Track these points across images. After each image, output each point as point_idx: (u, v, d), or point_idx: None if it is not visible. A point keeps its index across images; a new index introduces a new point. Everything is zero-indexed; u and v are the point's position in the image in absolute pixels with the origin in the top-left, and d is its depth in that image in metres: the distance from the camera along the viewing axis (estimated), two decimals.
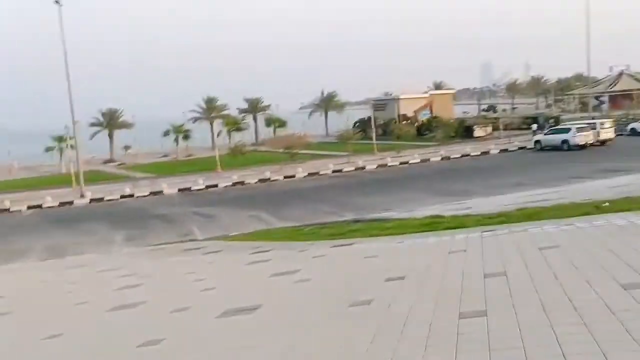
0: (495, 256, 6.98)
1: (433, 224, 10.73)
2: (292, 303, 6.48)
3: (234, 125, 55.85)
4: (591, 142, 38.49)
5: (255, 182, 35.86)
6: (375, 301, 5.88)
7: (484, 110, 74.12)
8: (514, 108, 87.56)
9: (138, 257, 15.17)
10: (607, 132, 39.96)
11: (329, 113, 72.87)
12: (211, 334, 5.55)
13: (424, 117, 61.04)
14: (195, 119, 61.16)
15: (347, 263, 8.55)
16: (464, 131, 52.51)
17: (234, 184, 35.44)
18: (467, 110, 78.79)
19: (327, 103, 69.93)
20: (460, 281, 6.14)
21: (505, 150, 42.32)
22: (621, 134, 44.30)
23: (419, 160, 40.12)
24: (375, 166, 39.10)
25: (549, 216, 9.07)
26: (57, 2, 31.06)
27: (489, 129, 52.76)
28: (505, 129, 51.51)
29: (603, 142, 39.49)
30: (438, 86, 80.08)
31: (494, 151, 41.90)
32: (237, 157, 43.47)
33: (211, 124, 58.95)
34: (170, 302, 7.36)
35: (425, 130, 54.64)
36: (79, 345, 5.69)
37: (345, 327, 5.25)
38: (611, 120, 43.64)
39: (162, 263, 12.72)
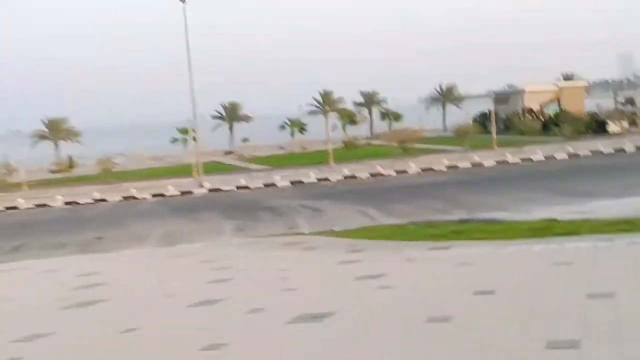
0: (606, 272, 6.07)
1: (544, 229, 9.73)
2: (369, 312, 6.07)
3: (349, 119, 55.92)
4: None
5: (366, 177, 35.55)
6: (456, 318, 5.30)
7: (621, 103, 67.77)
8: None
9: (241, 248, 15.44)
10: None
11: (448, 107, 70.68)
12: (276, 342, 5.31)
13: (551, 111, 57.23)
14: (311, 112, 62.08)
15: (438, 270, 7.94)
16: (597, 126, 48.53)
17: (345, 178, 35.38)
18: (602, 103, 72.62)
19: (446, 96, 67.81)
20: (558, 301, 5.37)
21: None
22: None
23: (542, 157, 37.57)
24: (493, 162, 37.19)
25: None
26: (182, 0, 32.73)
27: (625, 124, 48.30)
28: None
29: None
30: (568, 78, 74.53)
31: (630, 149, 38.15)
32: (350, 151, 43.49)
33: (326, 117, 59.53)
34: (249, 301, 7.25)
35: (553, 125, 51.11)
36: (145, 342, 5.71)
37: (417, 345, 4.76)
38: None
39: (258, 257, 12.79)
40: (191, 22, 35.87)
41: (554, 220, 11.02)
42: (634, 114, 49.83)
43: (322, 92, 62.44)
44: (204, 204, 29.47)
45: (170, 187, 33.97)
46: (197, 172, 36.05)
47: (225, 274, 9.95)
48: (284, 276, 9.02)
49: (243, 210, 26.59)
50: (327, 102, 61.42)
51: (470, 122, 60.45)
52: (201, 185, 34.55)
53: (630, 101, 67.36)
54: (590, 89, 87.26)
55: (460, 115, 67.93)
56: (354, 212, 23.55)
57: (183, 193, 33.55)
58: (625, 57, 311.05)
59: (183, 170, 40.83)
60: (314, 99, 62.75)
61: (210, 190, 33.93)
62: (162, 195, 33.18)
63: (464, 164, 37.32)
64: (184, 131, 45.82)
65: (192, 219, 25.09)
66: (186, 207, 29.02)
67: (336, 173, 36.58)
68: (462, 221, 15.51)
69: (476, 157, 38.28)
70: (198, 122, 37.62)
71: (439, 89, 69.03)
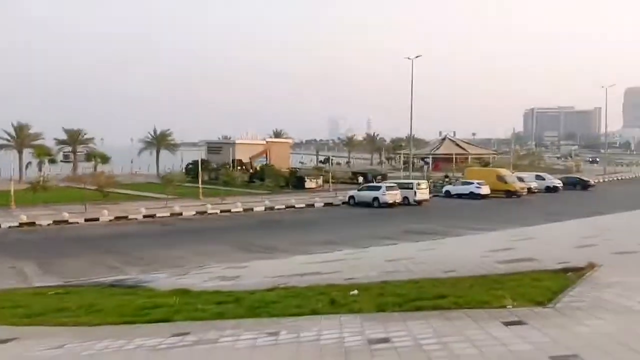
0: None
1: (147, 310, 8.07)
2: None
3: (46, 156, 49.92)
4: (399, 201, 39.48)
5: (48, 224, 31.24)
6: None
7: (320, 162, 75.09)
8: (347, 162, 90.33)
9: None
10: (423, 192, 41.32)
11: (164, 153, 68.94)
12: None
13: (259, 164, 59.92)
14: (1, 147, 53.93)
15: None
16: (296, 181, 52.08)
17: (21, 225, 30.56)
18: (304, 160, 79.52)
19: (160, 141, 65.98)
20: None
21: (330, 204, 42.00)
22: (437, 195, 46.45)
23: (241, 210, 38.17)
24: (193, 213, 36.37)
25: (281, 309, 7.10)
26: None
27: (320, 181, 52.85)
28: (336, 182, 51.91)
29: (419, 203, 40.70)
30: (278, 134, 79.92)
31: (319, 204, 41.36)
32: (38, 193, 38.18)
33: (20, 153, 52.35)
34: None
35: (258, 178, 53.33)
36: None
37: None
38: (426, 181, 45.60)
39: None
40: None
41: (183, 293, 9.86)
42: (327, 172, 54.84)
43: (15, 124, 54.87)
44: None
45: None
46: None
47: None
48: None
49: None
50: (20, 136, 54.09)
51: (183, 169, 59.93)
52: None
53: (328, 160, 75.05)
54: (295, 145, 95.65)
55: (176, 162, 66.96)
56: (5, 269, 19.74)
57: None
58: (333, 121, 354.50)
59: None
60: (5, 131, 54.79)
61: None
62: None
63: (163, 213, 35.72)
64: None
65: None
66: None
67: (13, 218, 31.46)
68: (111, 285, 13.65)
69: (177, 206, 37.09)
70: None
71: (152, 134, 66.89)
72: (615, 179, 76.15)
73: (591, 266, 7.75)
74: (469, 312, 5.52)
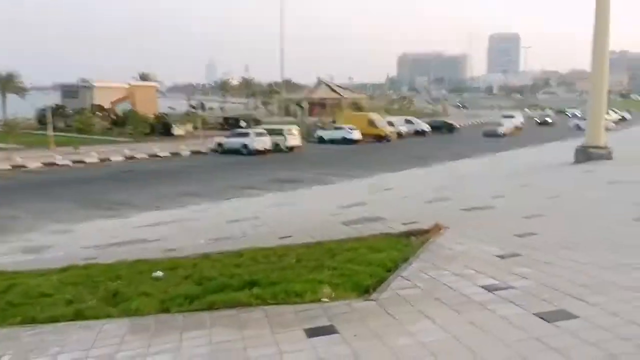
0: None
1: None
2: None
3: None
4: (269, 147, 38.11)
5: None
6: None
7: (191, 107, 71.22)
8: (221, 108, 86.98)
9: None
10: (295, 138, 40.21)
11: (12, 97, 61.67)
12: None
13: (123, 109, 55.44)
14: None
15: None
16: (163, 128, 48.85)
17: None
18: (175, 106, 75.13)
19: (5, 84, 58.74)
20: None
21: (198, 152, 39.74)
22: (311, 141, 45.68)
23: (97, 160, 34.87)
24: (39, 164, 32.58)
25: (45, 307, 5.05)
26: None
27: (189, 127, 50.01)
28: (208, 128, 49.39)
29: (291, 149, 39.57)
30: (145, 77, 74.20)
31: (185, 152, 38.97)
32: None
33: None
34: None
35: (121, 125, 49.37)
36: None
37: None
38: (297, 126, 44.49)
39: None
40: None
41: None
42: (199, 117, 51.93)
43: None
44: None
45: None
46: None
47: None
48: None
49: None
50: None
51: (35, 115, 54.29)
52: None
53: (201, 106, 71.52)
54: (168, 90, 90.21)
55: (27, 108, 60.30)
56: None
57: None
58: (211, 64, 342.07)
59: None
60: None
61: None
62: None
63: (3, 165, 31.59)
64: None
65: None
66: None
67: None
68: None
69: (19, 157, 33.02)
70: None
71: None
72: (478, 122, 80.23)
73: (437, 228, 6.83)
74: (272, 310, 4.20)
